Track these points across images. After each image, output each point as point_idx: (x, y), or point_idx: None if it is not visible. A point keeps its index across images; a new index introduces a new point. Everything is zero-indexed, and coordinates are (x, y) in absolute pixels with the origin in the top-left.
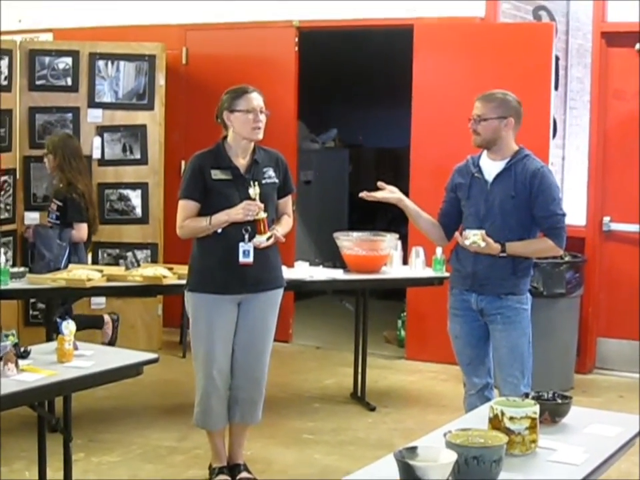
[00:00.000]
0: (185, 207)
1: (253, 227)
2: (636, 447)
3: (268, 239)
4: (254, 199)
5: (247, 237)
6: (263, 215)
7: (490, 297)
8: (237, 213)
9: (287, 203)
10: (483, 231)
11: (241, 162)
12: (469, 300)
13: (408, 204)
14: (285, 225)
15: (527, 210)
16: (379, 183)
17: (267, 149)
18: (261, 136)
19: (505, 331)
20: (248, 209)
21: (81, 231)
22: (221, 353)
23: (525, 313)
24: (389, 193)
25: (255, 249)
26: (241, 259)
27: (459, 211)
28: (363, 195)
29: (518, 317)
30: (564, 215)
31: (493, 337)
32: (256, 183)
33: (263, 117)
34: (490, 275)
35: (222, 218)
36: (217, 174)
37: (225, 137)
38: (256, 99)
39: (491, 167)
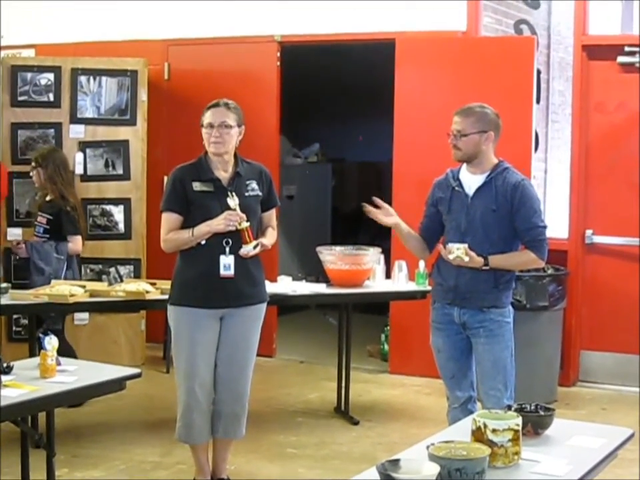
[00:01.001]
0: (168, 219)
1: (234, 239)
2: (620, 458)
3: (255, 247)
4: (234, 209)
5: (227, 249)
6: (245, 224)
7: (472, 310)
8: (218, 223)
9: (271, 216)
10: (466, 245)
11: (223, 174)
12: (451, 313)
13: (402, 227)
14: (270, 236)
15: (508, 223)
16: (375, 200)
17: (251, 162)
18: (220, 150)
19: (487, 344)
20: (229, 219)
21: (76, 243)
22: (202, 367)
23: (507, 326)
24: (386, 215)
25: (237, 262)
26: (222, 272)
27: (440, 225)
28: (367, 209)
29: (500, 330)
30: (545, 227)
31: (476, 350)
32: (234, 194)
33: (222, 132)
34: (472, 288)
35: (204, 229)
36: (197, 186)
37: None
38: (216, 113)
39: (471, 181)
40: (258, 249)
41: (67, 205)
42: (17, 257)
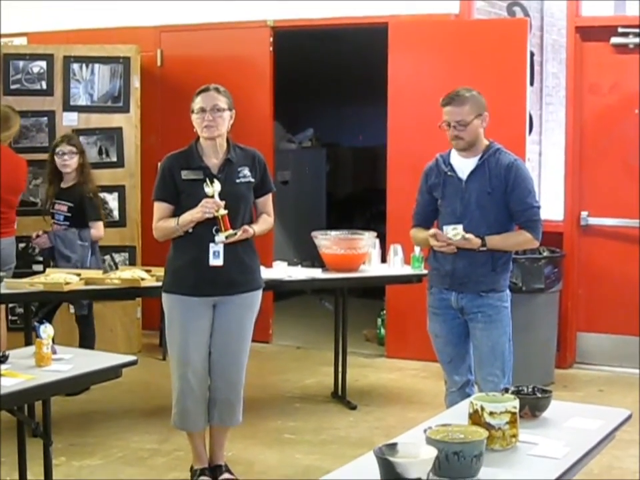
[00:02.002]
0: (158, 208)
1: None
2: (617, 439)
3: (227, 237)
4: (212, 196)
5: (217, 238)
6: (222, 212)
7: (470, 295)
8: (196, 211)
9: (266, 201)
10: (461, 226)
11: (214, 161)
12: (448, 298)
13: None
14: (263, 223)
15: (503, 204)
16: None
17: (244, 147)
18: (214, 133)
19: (485, 329)
20: (205, 207)
21: (99, 229)
22: (195, 354)
23: (505, 311)
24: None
25: (228, 250)
26: (211, 261)
27: (435, 211)
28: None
29: (499, 315)
30: (539, 207)
31: (474, 335)
32: (215, 180)
33: (215, 115)
34: (469, 272)
35: (187, 218)
36: (187, 174)
37: (199, 138)
38: (207, 97)
39: (463, 164)
40: (233, 239)
41: (90, 190)
42: (38, 249)
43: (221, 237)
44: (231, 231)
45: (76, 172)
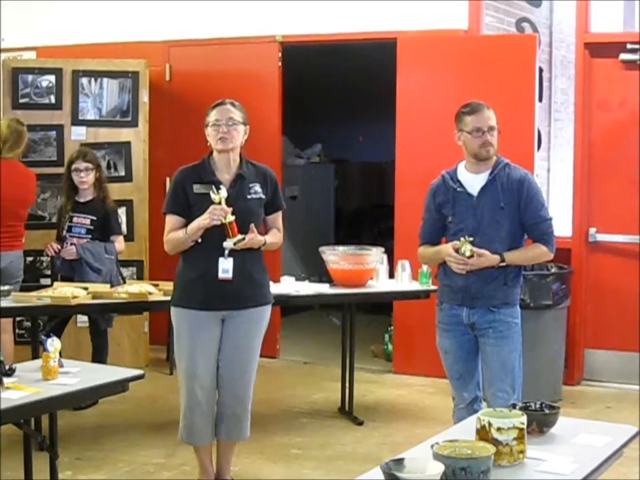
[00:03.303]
0: (169, 221)
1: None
2: (624, 457)
3: (236, 243)
4: (219, 203)
5: (226, 252)
6: (230, 218)
7: (482, 310)
8: (204, 218)
9: (276, 219)
10: (470, 238)
11: (225, 177)
12: (459, 314)
13: None
14: (273, 235)
15: (516, 219)
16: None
17: (257, 164)
18: (228, 146)
19: (496, 345)
20: (213, 213)
21: (121, 243)
22: (203, 368)
23: (516, 327)
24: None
25: (237, 264)
26: (220, 275)
27: (442, 228)
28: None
29: (510, 331)
30: (552, 219)
31: (484, 351)
32: (221, 187)
33: (230, 127)
34: (482, 287)
35: (194, 226)
36: (198, 188)
37: (212, 152)
38: (223, 111)
39: (472, 180)
40: (241, 245)
41: (113, 205)
42: (58, 260)
43: (229, 243)
44: (239, 237)
45: (93, 187)
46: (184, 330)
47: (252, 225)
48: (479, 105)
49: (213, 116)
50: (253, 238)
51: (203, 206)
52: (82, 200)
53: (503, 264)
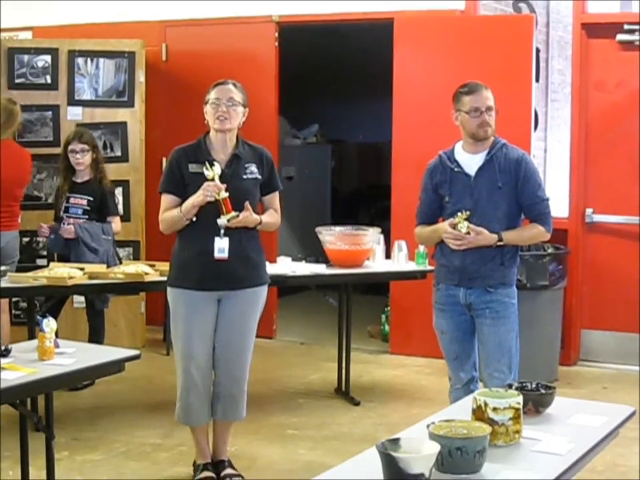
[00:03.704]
0: (164, 200)
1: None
2: (620, 437)
3: (229, 219)
4: (212, 179)
5: (222, 231)
6: (224, 194)
7: (478, 290)
8: (197, 195)
9: (273, 199)
10: (467, 212)
11: (221, 156)
12: (456, 295)
13: None
14: (270, 215)
15: (513, 199)
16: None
17: (253, 144)
18: (226, 126)
19: (493, 325)
20: (206, 190)
21: (118, 223)
22: (199, 348)
23: (512, 308)
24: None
25: (233, 244)
26: (216, 254)
27: (439, 208)
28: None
29: (506, 311)
30: (548, 199)
31: (480, 331)
32: (215, 164)
33: (229, 107)
34: (479, 267)
35: (188, 203)
36: (194, 167)
37: (208, 132)
38: (224, 90)
39: (470, 160)
40: (234, 222)
41: (110, 186)
42: (55, 241)
43: (222, 220)
44: (233, 213)
45: (90, 167)
46: (180, 310)
47: (247, 203)
48: (477, 85)
49: (213, 94)
50: (248, 216)
51: (198, 185)
52: (79, 180)
53: (500, 243)
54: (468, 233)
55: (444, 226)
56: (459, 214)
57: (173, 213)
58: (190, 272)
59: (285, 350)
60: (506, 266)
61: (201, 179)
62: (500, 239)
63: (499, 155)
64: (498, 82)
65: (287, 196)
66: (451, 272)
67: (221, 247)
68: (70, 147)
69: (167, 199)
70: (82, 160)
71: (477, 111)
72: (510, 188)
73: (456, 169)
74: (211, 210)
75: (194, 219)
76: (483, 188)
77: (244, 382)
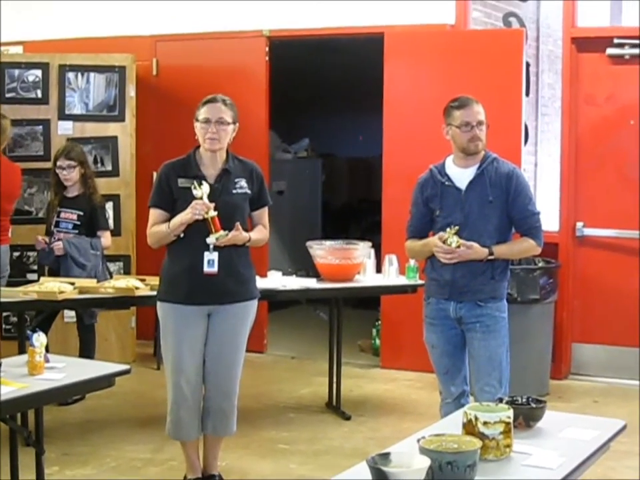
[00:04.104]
0: (152, 214)
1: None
2: (612, 450)
3: (218, 238)
4: (200, 198)
5: (211, 246)
6: (212, 213)
7: (469, 304)
8: (186, 214)
9: (262, 214)
10: (456, 227)
11: (211, 171)
12: (446, 309)
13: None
14: (258, 232)
15: (504, 213)
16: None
17: (243, 159)
18: (215, 146)
19: (483, 339)
20: (195, 208)
21: (108, 238)
22: (188, 363)
23: (503, 322)
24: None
25: (222, 259)
26: (205, 269)
27: (429, 222)
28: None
29: (497, 325)
30: (539, 213)
31: (471, 345)
32: (203, 183)
33: (219, 128)
34: (469, 281)
35: (176, 221)
36: (183, 182)
37: (198, 147)
38: (213, 109)
39: (461, 174)
40: (223, 241)
41: (100, 200)
42: (46, 254)
43: (211, 239)
44: (221, 232)
45: (79, 182)
46: (169, 325)
47: (237, 223)
48: (467, 100)
49: (203, 113)
50: (237, 235)
51: (187, 200)
52: (69, 195)
53: (491, 257)
54: (458, 247)
55: (434, 240)
56: (448, 229)
57: (160, 227)
58: (179, 286)
59: (275, 364)
60: (496, 280)
61: (190, 194)
62: (491, 253)
63: (489, 168)
64: (488, 96)
65: (277, 210)
66: (442, 286)
67: (210, 261)
68: (58, 163)
69: (155, 214)
70: (69, 176)
71: (468, 125)
72: (501, 202)
73: (447, 183)
74: (200, 225)
75: (181, 235)
76: (474, 202)
77: (234, 396)
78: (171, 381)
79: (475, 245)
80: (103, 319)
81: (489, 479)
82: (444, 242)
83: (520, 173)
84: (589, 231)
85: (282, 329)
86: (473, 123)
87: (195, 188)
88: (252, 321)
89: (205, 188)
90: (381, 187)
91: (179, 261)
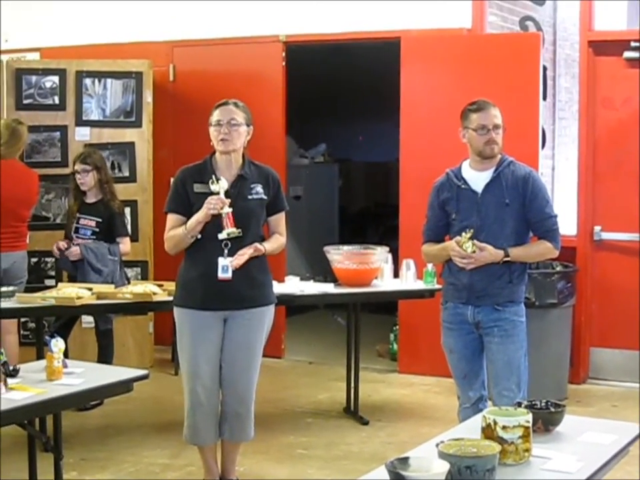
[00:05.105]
0: (170, 220)
1: (233, 242)
2: (630, 455)
3: (229, 234)
4: (217, 194)
5: (226, 251)
6: (227, 209)
7: (487, 308)
8: (201, 210)
9: (279, 221)
10: (471, 231)
11: (227, 177)
12: (464, 313)
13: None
14: (274, 242)
15: (521, 216)
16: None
17: (260, 164)
18: (229, 147)
19: (501, 344)
20: (210, 203)
21: (127, 244)
22: (204, 368)
23: (521, 326)
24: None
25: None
26: (220, 275)
27: (446, 226)
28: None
29: (515, 329)
30: (556, 216)
31: (489, 349)
32: (221, 178)
33: (231, 128)
34: (486, 285)
35: (193, 221)
36: (199, 187)
37: (215, 152)
38: (225, 111)
39: (477, 178)
40: (238, 261)
41: (119, 206)
42: (64, 260)
43: (223, 234)
44: (234, 229)
45: (96, 188)
46: (185, 330)
47: (257, 245)
48: (485, 103)
49: (215, 116)
50: (253, 253)
51: (203, 205)
52: (88, 201)
53: (507, 259)
54: (474, 252)
55: (451, 244)
56: (463, 234)
57: (177, 231)
58: (195, 292)
59: (293, 369)
60: (514, 283)
61: (206, 198)
62: (506, 255)
63: (506, 172)
64: (505, 100)
65: (294, 215)
66: (459, 290)
67: (224, 267)
68: (75, 168)
69: (172, 219)
70: (83, 180)
71: (484, 128)
72: (517, 205)
73: (463, 186)
74: (216, 230)
75: (199, 236)
76: (490, 205)
77: (250, 401)
78: (187, 386)
79: (489, 246)
80: (120, 324)
81: None
82: (460, 246)
83: (537, 175)
84: (607, 235)
85: (300, 334)
86: (489, 126)
87: (212, 183)
88: (269, 327)
89: (223, 183)
90: (398, 192)
91: (194, 267)
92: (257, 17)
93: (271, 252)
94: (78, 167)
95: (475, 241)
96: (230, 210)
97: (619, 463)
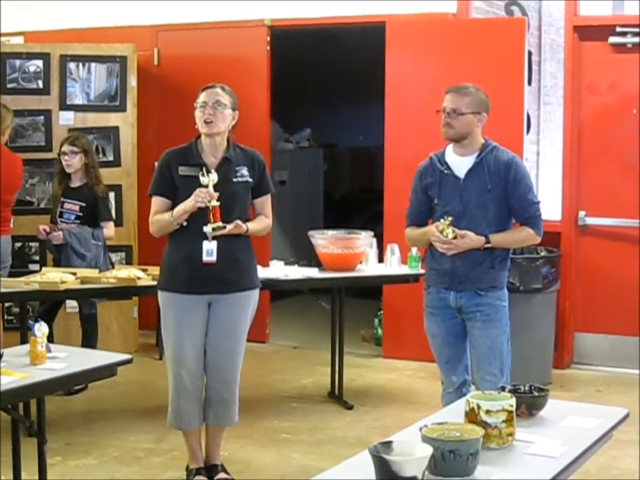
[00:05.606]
0: (154, 203)
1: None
2: (614, 439)
3: (215, 229)
4: (206, 186)
5: (210, 235)
6: (215, 203)
7: (469, 293)
8: (189, 201)
9: (264, 203)
10: (450, 218)
11: (212, 159)
12: (446, 298)
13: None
14: (259, 222)
15: (502, 202)
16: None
17: (245, 147)
18: (213, 130)
19: (484, 328)
20: (198, 195)
21: (110, 229)
22: (189, 352)
23: (504, 310)
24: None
25: (222, 248)
26: (204, 258)
27: (429, 210)
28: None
29: (497, 314)
30: (539, 202)
31: (472, 334)
32: (212, 171)
33: (216, 110)
34: (469, 270)
35: (180, 209)
36: (184, 170)
37: (200, 136)
38: (211, 93)
39: (459, 163)
40: (219, 232)
41: (103, 191)
42: (47, 244)
43: (208, 228)
44: (219, 224)
45: (82, 172)
46: (169, 314)
47: (237, 221)
48: (454, 87)
49: (201, 98)
50: (233, 229)
51: (188, 188)
52: (73, 185)
53: (488, 245)
54: (454, 238)
55: (432, 229)
56: (442, 220)
57: (164, 216)
58: (179, 275)
59: (277, 354)
60: (496, 269)
61: (192, 181)
62: (488, 241)
63: (488, 157)
64: (490, 85)
65: (279, 200)
66: (441, 275)
67: (209, 250)
68: (62, 149)
69: (157, 202)
70: (70, 162)
71: (444, 111)
72: (499, 191)
73: (445, 171)
74: (202, 214)
75: (184, 223)
76: (472, 191)
77: (235, 386)
78: (172, 370)
79: (470, 233)
80: (104, 309)
81: (492, 467)
82: (440, 232)
83: (519, 161)
84: (591, 220)
85: (284, 319)
86: (446, 109)
87: (202, 175)
88: (253, 311)
89: (213, 176)
90: (382, 177)
91: (178, 250)
92: (242, 1)
93: (255, 232)
94: (66, 148)
95: (454, 228)
96: (217, 204)
97: (603, 448)
